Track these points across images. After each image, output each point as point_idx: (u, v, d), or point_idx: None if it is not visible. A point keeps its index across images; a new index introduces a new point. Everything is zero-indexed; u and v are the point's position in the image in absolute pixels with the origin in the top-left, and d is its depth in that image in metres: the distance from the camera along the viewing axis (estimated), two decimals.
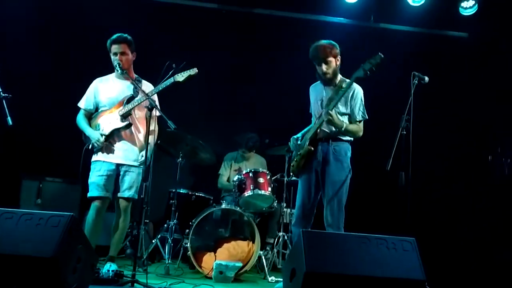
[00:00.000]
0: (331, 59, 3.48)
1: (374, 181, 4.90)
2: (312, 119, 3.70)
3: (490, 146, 5.15)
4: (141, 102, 3.65)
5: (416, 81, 3.57)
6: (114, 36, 3.70)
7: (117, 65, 3.64)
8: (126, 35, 3.72)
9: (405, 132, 3.44)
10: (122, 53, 3.67)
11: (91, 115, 3.83)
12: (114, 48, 3.68)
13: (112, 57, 3.70)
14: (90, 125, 3.77)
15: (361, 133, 3.54)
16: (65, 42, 5.25)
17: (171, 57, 4.18)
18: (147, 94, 3.51)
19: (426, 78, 3.59)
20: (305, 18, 5.73)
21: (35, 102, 5.08)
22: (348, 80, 3.50)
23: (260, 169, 4.54)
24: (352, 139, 3.55)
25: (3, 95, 3.48)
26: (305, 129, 3.72)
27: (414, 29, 5.69)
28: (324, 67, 3.48)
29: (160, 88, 3.59)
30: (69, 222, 2.20)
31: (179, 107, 4.84)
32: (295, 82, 3.76)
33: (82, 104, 3.83)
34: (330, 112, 3.36)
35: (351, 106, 3.51)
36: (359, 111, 3.52)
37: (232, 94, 5.65)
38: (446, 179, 5.22)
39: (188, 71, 3.61)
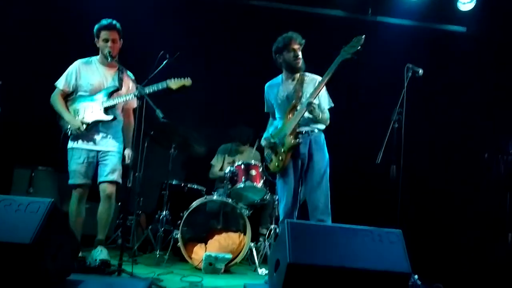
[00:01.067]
0: (301, 52, 3.56)
1: (365, 174, 4.87)
2: (277, 115, 3.70)
3: (487, 142, 5.10)
4: (128, 100, 3.64)
5: (410, 74, 3.55)
6: (105, 22, 3.66)
7: (108, 52, 3.60)
8: (115, 22, 3.68)
9: (397, 125, 3.42)
10: (113, 40, 3.64)
11: (67, 96, 3.76)
12: (105, 34, 3.63)
13: (101, 43, 3.66)
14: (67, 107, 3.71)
15: (329, 121, 3.61)
16: (57, 30, 5.19)
17: (166, 47, 4.16)
18: (140, 86, 3.46)
19: (420, 71, 3.56)
20: (302, 10, 5.66)
21: (29, 90, 5.04)
22: (308, 74, 3.61)
23: (253, 161, 4.51)
24: (324, 127, 3.61)
25: None
26: (271, 128, 3.74)
27: (412, 22, 5.63)
28: (298, 52, 3.54)
29: (151, 91, 3.54)
30: (49, 209, 2.16)
31: (173, 98, 4.81)
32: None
33: (61, 84, 3.74)
34: (312, 102, 3.38)
35: (319, 96, 3.55)
36: (326, 100, 3.62)
37: (228, 87, 5.60)
38: (439, 175, 5.18)
39: (182, 80, 3.64)
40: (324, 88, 3.57)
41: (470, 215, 4.87)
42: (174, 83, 3.63)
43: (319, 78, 3.58)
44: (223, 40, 5.55)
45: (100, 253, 3.63)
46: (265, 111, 3.83)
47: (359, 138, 4.92)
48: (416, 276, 3.24)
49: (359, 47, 3.36)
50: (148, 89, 3.54)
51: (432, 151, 5.25)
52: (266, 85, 3.79)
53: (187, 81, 3.64)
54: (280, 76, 3.73)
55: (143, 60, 4.23)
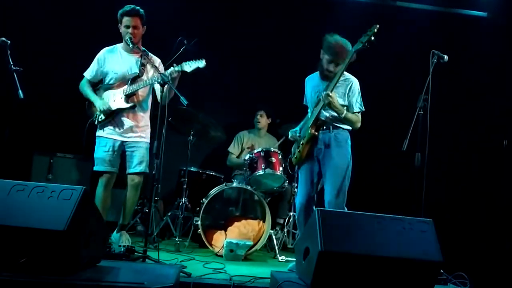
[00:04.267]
0: (340, 65, 3.47)
1: (389, 162, 4.83)
2: (309, 111, 3.69)
3: (509, 129, 5.02)
4: (147, 85, 3.65)
5: (435, 60, 3.49)
6: (127, 8, 3.65)
7: (129, 39, 3.58)
8: (138, 7, 3.66)
9: (422, 112, 3.38)
10: (135, 27, 3.63)
11: (96, 85, 3.82)
12: (127, 20, 3.62)
13: (123, 29, 3.65)
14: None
15: (359, 124, 3.54)
16: (77, 14, 5.16)
17: (184, 32, 4.11)
18: (161, 73, 3.46)
19: (446, 57, 3.52)
20: None
21: (48, 77, 5.03)
22: (345, 73, 3.50)
23: (272, 148, 4.49)
24: (351, 128, 3.55)
25: (14, 68, 3.44)
26: (302, 122, 3.75)
27: (432, 7, 5.54)
28: (332, 67, 3.47)
29: (167, 75, 3.51)
30: (82, 196, 2.17)
31: (191, 84, 4.77)
32: (310, 61, 3.69)
33: (88, 73, 3.81)
34: (330, 93, 3.35)
35: (349, 98, 3.51)
36: (356, 103, 3.53)
37: (245, 73, 5.56)
38: (464, 163, 5.12)
39: (196, 62, 3.58)
40: (358, 90, 3.53)
41: (495, 204, 4.81)
42: (189, 67, 3.57)
43: (354, 80, 3.53)
44: (241, 24, 5.49)
45: (122, 239, 3.71)
46: (303, 103, 3.79)
47: (383, 125, 4.88)
48: None
49: (372, 37, 3.31)
50: (163, 75, 3.52)
51: (458, 138, 5.17)
52: (306, 78, 3.75)
53: (201, 63, 3.57)
54: (318, 71, 3.66)
55: (162, 46, 4.21)
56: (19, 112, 4.40)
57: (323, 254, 2.24)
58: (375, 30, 3.33)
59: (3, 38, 3.30)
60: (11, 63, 3.36)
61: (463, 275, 3.25)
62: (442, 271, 3.27)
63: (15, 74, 3.44)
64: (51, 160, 4.85)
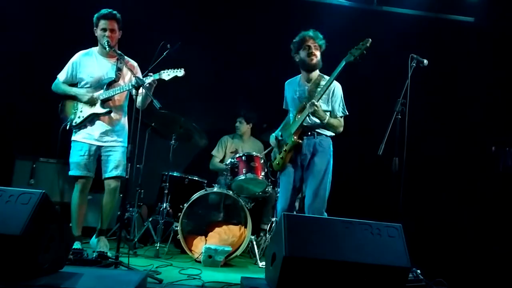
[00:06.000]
0: (318, 50, 3.49)
1: (367, 167, 4.80)
2: (290, 115, 3.68)
3: (493, 135, 5.00)
4: (123, 91, 3.63)
5: (414, 64, 3.47)
6: (104, 12, 3.62)
7: (106, 42, 3.55)
8: (115, 11, 3.64)
9: (400, 117, 3.35)
10: (111, 30, 3.60)
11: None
12: (103, 23, 3.59)
13: (100, 32, 3.62)
14: (67, 104, 3.74)
15: (341, 129, 3.54)
16: (57, 20, 5.14)
17: (166, 37, 4.09)
18: (136, 76, 3.42)
19: (425, 61, 3.49)
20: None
21: (31, 81, 5.01)
22: (326, 76, 3.48)
23: (254, 153, 4.45)
24: (334, 134, 3.56)
25: None
26: (281, 125, 3.73)
27: (418, 12, 5.54)
28: (313, 50, 3.47)
29: (144, 82, 3.43)
30: (41, 200, 2.13)
31: (174, 89, 4.75)
32: (294, 66, 3.68)
33: (62, 76, 3.77)
34: (315, 103, 3.34)
35: (332, 103, 3.51)
36: (339, 107, 3.54)
37: (230, 78, 5.54)
38: (442, 168, 5.09)
39: (175, 71, 3.55)
40: (340, 94, 3.53)
41: (474, 210, 4.78)
42: (167, 75, 3.55)
43: (337, 84, 3.52)
44: (226, 29, 5.48)
45: (100, 245, 3.65)
46: (283, 107, 3.78)
47: (361, 129, 4.85)
48: (418, 271, 3.19)
49: (364, 51, 3.28)
50: (141, 80, 3.47)
51: (436, 143, 5.15)
52: (286, 82, 3.74)
53: (180, 72, 3.55)
54: (299, 75, 3.68)
55: (145, 50, 4.19)
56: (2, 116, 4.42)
57: (287, 259, 2.21)
58: (368, 45, 3.28)
59: None
60: None
61: (442, 281, 3.21)
62: (421, 277, 3.23)
63: None
64: (34, 165, 4.81)
